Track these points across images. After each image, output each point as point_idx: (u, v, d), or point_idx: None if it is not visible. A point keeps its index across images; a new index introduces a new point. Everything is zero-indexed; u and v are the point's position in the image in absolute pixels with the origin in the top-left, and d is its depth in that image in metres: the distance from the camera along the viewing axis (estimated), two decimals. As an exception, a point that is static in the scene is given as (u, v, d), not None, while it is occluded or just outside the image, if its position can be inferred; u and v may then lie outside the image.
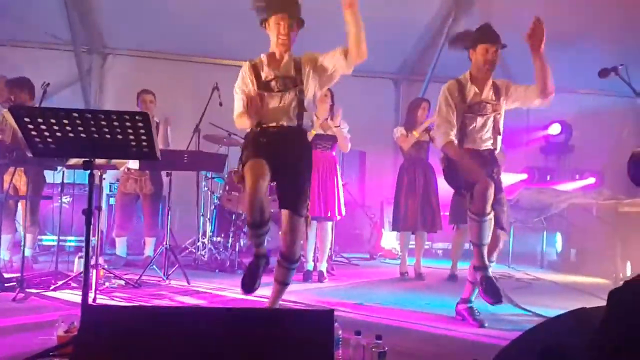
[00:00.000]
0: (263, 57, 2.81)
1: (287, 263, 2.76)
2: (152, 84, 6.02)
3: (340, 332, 2.09)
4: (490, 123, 3.15)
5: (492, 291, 2.92)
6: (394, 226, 4.89)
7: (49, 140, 1.97)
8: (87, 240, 2.06)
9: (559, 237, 5.88)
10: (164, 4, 5.91)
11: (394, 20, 6.25)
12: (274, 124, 2.74)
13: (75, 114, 1.91)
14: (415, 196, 4.68)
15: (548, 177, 7.37)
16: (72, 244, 5.34)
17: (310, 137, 4.17)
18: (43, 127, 1.91)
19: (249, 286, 2.69)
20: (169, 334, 1.44)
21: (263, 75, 2.76)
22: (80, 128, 1.93)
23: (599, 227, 5.18)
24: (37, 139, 1.96)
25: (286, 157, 2.70)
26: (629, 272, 4.78)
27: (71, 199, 5.50)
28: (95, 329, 1.46)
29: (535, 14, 6.28)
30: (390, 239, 6.27)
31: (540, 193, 5.72)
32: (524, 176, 7.21)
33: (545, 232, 5.99)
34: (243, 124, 2.78)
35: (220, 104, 4.91)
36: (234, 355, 1.44)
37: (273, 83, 2.75)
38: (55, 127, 1.92)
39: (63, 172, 4.36)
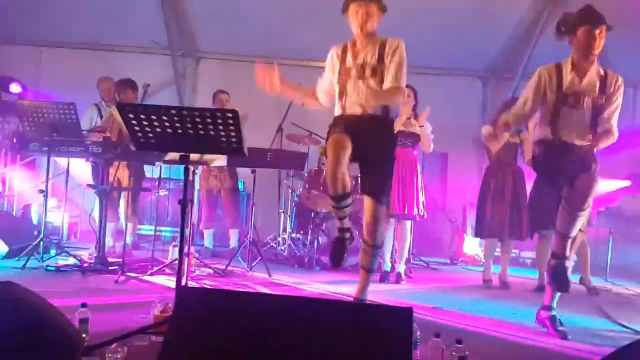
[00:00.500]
0: (348, 43, 2.92)
1: (370, 248, 2.82)
2: (240, 86, 6.28)
3: (418, 333, 2.09)
4: (587, 116, 2.88)
5: (560, 279, 2.84)
6: (477, 232, 4.71)
7: (150, 135, 2.15)
8: (182, 228, 2.22)
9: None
10: (252, 10, 6.18)
11: (483, 15, 6.08)
12: (358, 112, 2.81)
13: (173, 111, 2.07)
14: (502, 202, 4.47)
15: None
16: (168, 234, 5.73)
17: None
18: (145, 122, 2.09)
19: (336, 261, 2.81)
20: (256, 318, 1.52)
21: (346, 60, 2.87)
22: (177, 124, 2.10)
23: None
24: (140, 134, 2.15)
25: (371, 142, 2.76)
26: None
27: (167, 192, 5.91)
28: (188, 309, 1.58)
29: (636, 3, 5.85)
30: (472, 245, 6.10)
31: (642, 201, 5.30)
32: (627, 183, 6.69)
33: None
34: (310, 101, 3.07)
35: (302, 105, 5.04)
36: (314, 344, 1.50)
37: (352, 69, 2.83)
38: (156, 123, 2.10)
39: (161, 167, 4.69)
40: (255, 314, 1.53)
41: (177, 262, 3.90)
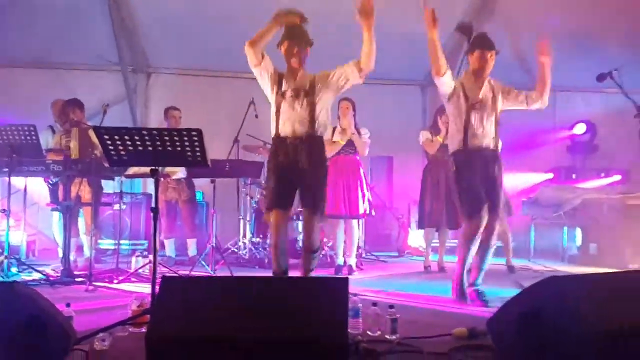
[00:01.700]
0: (284, 72, 3.36)
1: (308, 253, 3.28)
2: (192, 100, 6.63)
3: (360, 305, 2.51)
4: (491, 120, 3.51)
5: (461, 294, 3.58)
6: (419, 224, 5.30)
7: (122, 153, 2.48)
8: (155, 230, 2.55)
9: (578, 232, 6.13)
10: (201, 25, 6.39)
11: (419, 29, 6.60)
12: (289, 134, 3.24)
13: (145, 132, 2.41)
14: (438, 195, 5.06)
15: (574, 176, 7.53)
16: (126, 247, 5.92)
17: (338, 146, 4.66)
18: (119, 142, 2.42)
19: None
20: (231, 298, 1.90)
21: (282, 85, 3.30)
22: (148, 142, 2.44)
23: (613, 221, 5.43)
24: (113, 152, 2.48)
25: (303, 163, 3.21)
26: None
27: (126, 206, 6.11)
28: (170, 296, 1.93)
29: (553, 17, 6.61)
30: (416, 237, 6.64)
31: (558, 190, 5.99)
32: (550, 175, 7.44)
33: (566, 228, 6.25)
34: (250, 44, 3.26)
35: (256, 116, 5.43)
36: (269, 313, 1.88)
37: (288, 92, 3.28)
38: (128, 142, 2.43)
39: (121, 181, 4.94)
40: (231, 294, 1.90)
41: (142, 270, 4.24)
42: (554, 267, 5.46)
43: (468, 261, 3.55)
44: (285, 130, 3.26)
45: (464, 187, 3.47)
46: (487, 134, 3.49)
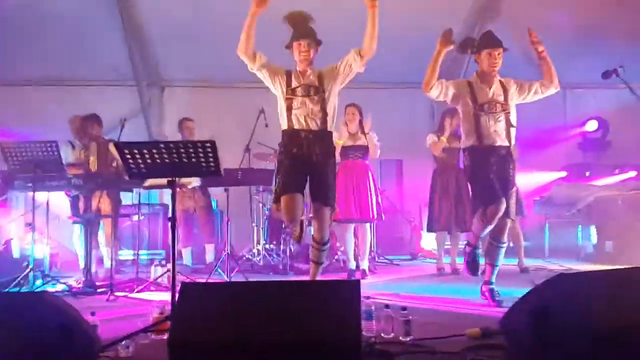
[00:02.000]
0: (292, 70, 3.48)
1: (318, 245, 3.40)
2: (204, 111, 6.76)
3: (373, 307, 2.58)
4: (502, 119, 3.54)
5: (473, 266, 3.64)
6: (429, 227, 5.36)
7: (141, 166, 2.60)
8: (174, 238, 2.64)
9: (593, 229, 6.12)
10: (212, 37, 6.47)
11: (425, 31, 6.67)
12: (302, 128, 3.35)
13: (162, 145, 2.53)
14: (448, 199, 5.12)
15: (587, 173, 7.51)
16: (145, 257, 6.04)
17: (337, 147, 4.74)
18: (138, 156, 2.54)
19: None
20: (248, 303, 1.98)
21: (292, 83, 3.41)
22: (165, 155, 2.55)
23: (629, 217, 5.42)
24: (133, 165, 2.59)
25: (314, 157, 3.34)
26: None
27: (144, 217, 6.24)
28: (191, 302, 2.02)
29: (559, 15, 6.62)
30: (429, 240, 6.67)
31: (571, 188, 6.01)
32: (563, 174, 7.43)
33: (580, 226, 6.24)
34: (242, 37, 3.34)
35: (266, 125, 5.53)
36: (284, 317, 1.96)
37: (299, 89, 3.40)
38: (147, 156, 2.54)
39: (139, 193, 5.07)
40: (247, 299, 1.99)
41: (160, 279, 4.35)
42: (569, 266, 5.45)
43: (482, 236, 3.63)
44: (298, 124, 3.38)
45: (479, 180, 3.52)
46: (499, 133, 3.53)
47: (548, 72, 3.59)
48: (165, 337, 2.45)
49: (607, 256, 5.77)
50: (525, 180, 6.34)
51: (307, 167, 3.36)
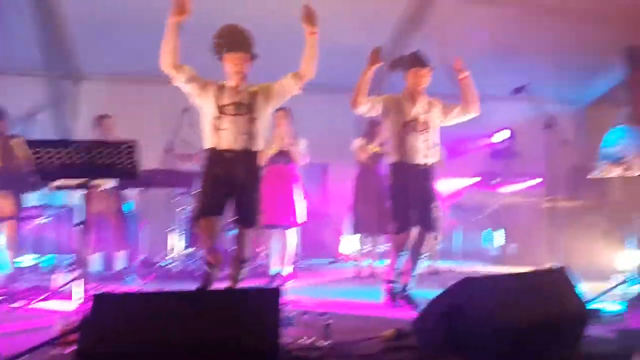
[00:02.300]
0: (223, 84, 3.33)
1: (239, 263, 3.33)
2: (123, 107, 6.43)
3: (293, 313, 2.60)
4: (425, 138, 3.70)
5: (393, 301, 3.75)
6: (352, 230, 5.49)
7: (52, 165, 2.43)
8: (83, 243, 2.51)
9: (500, 233, 6.55)
10: (134, 29, 6.14)
11: (353, 38, 6.83)
12: (227, 148, 3.23)
13: (77, 144, 2.38)
14: (369, 202, 5.26)
15: (496, 180, 7.99)
16: (50, 263, 5.65)
17: (269, 155, 4.75)
18: (49, 155, 2.38)
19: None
20: (159, 314, 1.92)
21: (223, 100, 3.27)
22: (79, 155, 2.41)
23: (530, 222, 5.85)
24: (43, 165, 2.42)
25: (238, 179, 3.22)
26: (558, 262, 5.43)
27: (49, 219, 5.83)
28: (101, 314, 1.92)
29: (477, 34, 7.04)
30: (351, 244, 6.81)
31: (480, 194, 6.39)
32: (478, 179, 7.86)
33: (489, 230, 6.65)
34: (163, 51, 3.22)
35: (191, 125, 5.36)
36: (205, 330, 1.92)
37: (229, 107, 3.25)
38: (59, 155, 2.39)
39: (45, 193, 4.73)
40: (164, 311, 1.93)
41: (65, 287, 4.06)
42: (477, 268, 5.79)
43: (397, 267, 3.74)
44: (224, 144, 3.24)
45: (396, 202, 3.67)
46: (422, 150, 3.68)
47: (470, 97, 3.74)
48: (72, 350, 2.34)
49: (512, 258, 6.19)
50: (438, 186, 6.66)
51: (230, 187, 3.25)
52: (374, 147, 5.21)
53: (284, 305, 2.58)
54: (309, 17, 3.15)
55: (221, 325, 1.88)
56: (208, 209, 3.23)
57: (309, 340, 2.57)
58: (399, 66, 3.87)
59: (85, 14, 6.13)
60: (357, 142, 5.40)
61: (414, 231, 3.64)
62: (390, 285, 3.77)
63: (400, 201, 3.62)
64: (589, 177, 3.74)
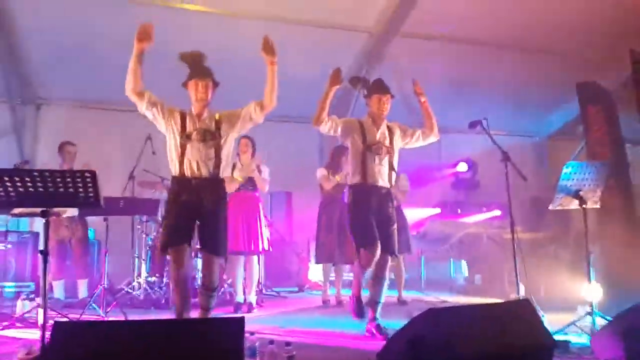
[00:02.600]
0: (187, 112, 3.35)
1: (207, 291, 3.28)
2: (85, 134, 6.37)
3: (257, 343, 2.58)
4: (386, 161, 3.80)
5: (358, 312, 3.78)
6: (316, 259, 5.50)
7: (12, 194, 2.39)
8: (44, 274, 2.44)
9: (464, 263, 6.67)
10: (95, 56, 6.20)
11: (315, 70, 6.99)
12: (193, 175, 3.23)
13: (36, 173, 2.34)
14: (332, 231, 5.30)
15: (459, 210, 8.14)
16: (11, 289, 5.47)
17: (237, 183, 4.75)
18: (8, 183, 2.33)
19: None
20: (123, 343, 1.89)
21: (187, 126, 3.28)
22: (39, 184, 2.37)
23: (493, 253, 5.99)
24: (2, 194, 2.37)
25: (204, 206, 3.21)
26: (522, 293, 5.55)
27: (11, 246, 5.65)
28: (62, 342, 1.88)
29: (434, 68, 7.34)
30: (316, 272, 6.81)
31: (443, 225, 6.51)
32: (437, 210, 8.01)
33: (452, 260, 6.77)
34: (128, 78, 3.25)
35: (154, 153, 5.34)
36: (164, 358, 1.90)
37: (194, 134, 3.26)
38: (18, 184, 2.35)
39: (7, 221, 4.60)
40: (125, 340, 1.89)
41: (28, 314, 3.96)
42: (443, 298, 5.86)
43: (363, 281, 3.77)
44: (189, 171, 3.24)
45: (358, 220, 3.70)
46: (382, 173, 3.77)
47: (429, 121, 3.90)
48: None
49: (477, 288, 6.30)
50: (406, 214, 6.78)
51: (197, 214, 3.23)
52: (338, 178, 5.28)
53: (248, 335, 2.57)
54: (268, 47, 3.24)
55: (183, 355, 1.86)
56: (175, 238, 3.19)
57: (274, 371, 2.56)
58: (358, 83, 4.02)
59: (45, 45, 6.12)
60: (321, 172, 5.44)
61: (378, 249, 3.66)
62: (355, 299, 3.78)
63: (363, 219, 3.66)
64: (549, 208, 3.86)
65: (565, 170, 3.62)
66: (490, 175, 8.49)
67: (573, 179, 3.64)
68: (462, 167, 8.52)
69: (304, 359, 2.72)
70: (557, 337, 3.29)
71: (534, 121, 9.23)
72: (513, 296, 5.51)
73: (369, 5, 6.29)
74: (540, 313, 3.46)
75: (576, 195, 3.71)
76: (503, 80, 7.64)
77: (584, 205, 3.70)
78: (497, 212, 7.98)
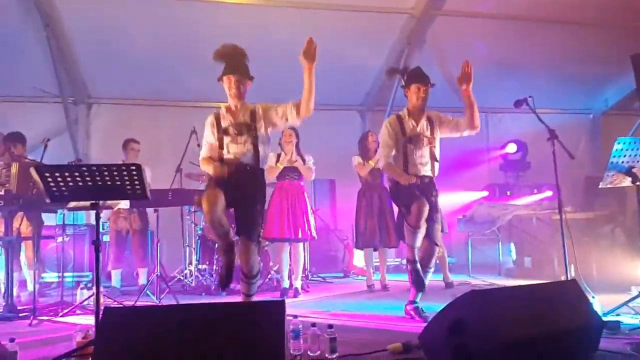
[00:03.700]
0: (222, 108, 3.43)
1: (247, 278, 3.31)
2: (134, 129, 6.62)
3: (300, 326, 2.65)
4: (427, 152, 3.77)
5: (417, 280, 3.63)
6: (356, 245, 5.53)
7: (64, 188, 2.54)
8: (97, 264, 2.59)
9: (512, 246, 6.51)
10: (140, 55, 6.45)
11: (357, 57, 6.98)
12: (233, 165, 3.29)
13: (84, 169, 2.48)
14: (372, 217, 5.32)
15: (508, 193, 7.94)
16: (70, 279, 5.81)
17: (277, 170, 4.85)
18: (59, 179, 2.48)
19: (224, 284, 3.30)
20: (171, 328, 1.99)
21: (223, 123, 3.37)
22: (88, 178, 2.51)
23: (543, 235, 5.82)
24: (55, 189, 2.53)
25: (242, 191, 3.26)
26: (573, 274, 5.39)
27: (69, 238, 6.01)
28: (113, 327, 2.00)
29: (477, 47, 7.11)
30: (361, 258, 6.84)
31: (490, 207, 6.36)
32: (485, 193, 7.85)
33: (501, 243, 6.62)
34: (205, 168, 3.39)
35: (198, 145, 5.48)
36: (212, 342, 1.99)
37: (231, 129, 3.34)
38: (69, 179, 2.49)
39: (64, 215, 4.89)
40: (171, 324, 2.00)
41: (87, 302, 4.22)
42: (491, 281, 5.77)
43: (417, 245, 3.65)
44: (229, 161, 3.31)
45: (402, 191, 3.63)
46: (424, 164, 3.75)
47: (470, 112, 3.66)
48: (88, 362, 2.42)
49: (526, 271, 6.15)
50: (450, 199, 6.69)
51: (233, 198, 3.24)
52: (372, 162, 5.29)
53: (291, 318, 2.64)
54: (310, 52, 3.12)
55: (228, 336, 1.94)
56: (213, 186, 3.21)
57: (317, 353, 2.62)
58: (396, 73, 3.97)
59: (95, 45, 6.39)
60: (355, 160, 5.49)
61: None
62: (412, 266, 3.66)
63: (404, 190, 3.59)
64: (600, 186, 3.71)
65: (616, 146, 3.47)
66: (541, 155, 8.17)
67: (625, 155, 3.48)
68: (511, 148, 8.28)
69: (346, 341, 2.76)
70: (608, 318, 3.22)
71: (587, 97, 8.85)
72: (563, 278, 5.37)
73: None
74: (590, 294, 3.38)
75: (629, 172, 3.55)
76: (550, 56, 7.36)
77: (637, 183, 3.54)
78: (549, 193, 7.76)
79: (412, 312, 3.70)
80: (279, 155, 5.02)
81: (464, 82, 3.62)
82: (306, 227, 5.01)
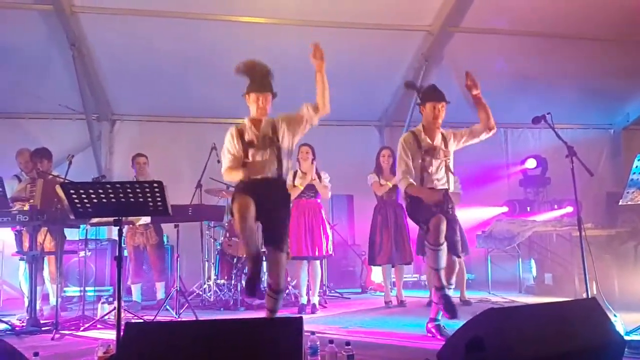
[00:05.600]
0: (246, 121, 3.47)
1: (273, 293, 3.29)
2: (155, 146, 6.78)
3: (318, 342, 2.66)
4: (443, 166, 3.78)
5: (450, 308, 3.49)
6: (370, 261, 5.53)
7: (88, 205, 2.61)
8: (119, 278, 2.65)
9: (533, 263, 6.43)
10: (162, 72, 6.61)
11: (375, 73, 7.04)
12: (258, 176, 3.33)
13: (109, 186, 2.56)
14: (388, 233, 5.32)
15: (528, 209, 7.86)
16: (92, 293, 5.91)
17: (298, 191, 4.89)
18: (84, 196, 2.56)
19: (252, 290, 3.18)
20: (190, 344, 2.03)
21: (247, 136, 3.41)
22: (112, 195, 2.58)
23: (564, 252, 5.74)
24: (79, 205, 2.60)
25: (268, 203, 3.26)
26: (595, 292, 5.29)
27: (91, 253, 6.10)
28: (133, 342, 2.05)
29: (495, 63, 7.11)
30: (379, 273, 6.82)
31: (510, 223, 6.30)
32: (505, 209, 7.78)
33: (520, 259, 6.55)
34: (231, 177, 3.42)
35: (218, 161, 5.56)
36: (227, 356, 2.01)
37: (255, 141, 3.38)
38: (93, 196, 2.57)
39: (86, 230, 4.99)
40: (191, 339, 2.04)
41: (108, 316, 4.28)
42: (511, 298, 5.70)
43: (441, 267, 3.57)
44: (254, 174, 3.33)
45: (420, 207, 3.62)
46: (440, 178, 3.76)
47: (483, 113, 3.73)
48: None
49: (547, 288, 6.06)
50: (469, 215, 6.64)
51: (260, 210, 3.21)
52: (389, 183, 5.31)
53: (309, 335, 2.66)
54: (318, 54, 3.27)
55: (246, 353, 1.97)
56: (241, 195, 3.19)
57: (334, 370, 2.63)
58: (413, 88, 4.02)
59: (118, 63, 6.58)
60: (372, 179, 5.50)
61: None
62: (441, 292, 3.54)
63: (422, 206, 3.58)
64: (620, 204, 3.66)
65: (636, 162, 3.43)
66: (561, 171, 8.07)
67: (645, 172, 3.44)
68: (531, 163, 8.17)
69: (363, 357, 2.77)
70: (630, 337, 3.16)
71: (608, 112, 8.77)
72: (585, 295, 5.28)
73: (426, 3, 6.23)
74: (612, 312, 3.32)
75: (648, 189, 3.51)
76: (570, 71, 7.33)
77: (656, 201, 3.50)
78: (569, 209, 7.64)
79: (434, 330, 3.67)
80: (295, 173, 5.06)
81: (473, 88, 3.70)
82: (323, 245, 5.05)
